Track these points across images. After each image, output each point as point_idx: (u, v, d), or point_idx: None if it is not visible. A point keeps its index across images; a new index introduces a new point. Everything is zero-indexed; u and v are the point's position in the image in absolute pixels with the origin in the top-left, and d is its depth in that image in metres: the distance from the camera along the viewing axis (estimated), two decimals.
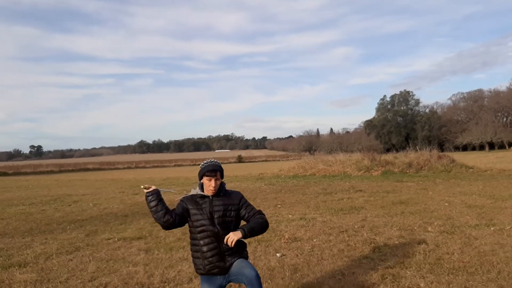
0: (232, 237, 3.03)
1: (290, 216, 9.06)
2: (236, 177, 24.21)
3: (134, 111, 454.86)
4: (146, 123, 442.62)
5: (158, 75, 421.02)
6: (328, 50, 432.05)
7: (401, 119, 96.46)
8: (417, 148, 24.36)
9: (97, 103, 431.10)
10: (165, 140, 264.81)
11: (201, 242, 3.17)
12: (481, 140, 78.26)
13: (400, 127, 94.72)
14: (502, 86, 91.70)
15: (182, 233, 7.50)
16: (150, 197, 3.19)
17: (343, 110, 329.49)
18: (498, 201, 10.08)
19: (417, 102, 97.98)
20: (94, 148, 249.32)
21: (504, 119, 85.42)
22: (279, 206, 10.78)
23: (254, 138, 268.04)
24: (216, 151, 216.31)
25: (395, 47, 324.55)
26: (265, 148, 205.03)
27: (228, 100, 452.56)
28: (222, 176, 3.23)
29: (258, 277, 3.00)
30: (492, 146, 79.82)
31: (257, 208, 3.37)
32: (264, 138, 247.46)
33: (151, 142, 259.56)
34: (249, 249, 5.70)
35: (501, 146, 79.93)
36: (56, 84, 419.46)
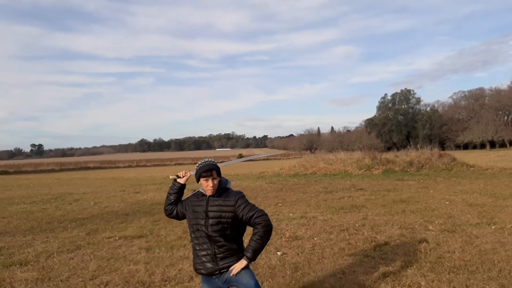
0: (237, 268, 2.98)
1: (291, 214, 9.06)
2: (237, 175, 24.22)
3: (135, 110, 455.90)
4: (147, 121, 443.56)
5: (159, 74, 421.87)
6: (329, 48, 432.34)
7: (402, 117, 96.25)
8: (418, 146, 24.34)
9: (98, 102, 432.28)
10: (166, 139, 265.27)
11: (195, 241, 3.14)
12: (482, 138, 78.10)
13: (401, 125, 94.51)
14: (503, 84, 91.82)
15: (183, 231, 7.51)
16: (175, 187, 3.32)
17: (344, 109, 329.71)
18: (499, 199, 10.07)
19: (418, 100, 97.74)
20: (95, 147, 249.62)
21: (505, 118, 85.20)
22: (280, 204, 10.78)
23: (255, 137, 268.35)
24: (217, 149, 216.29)
25: (396, 45, 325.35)
26: (266, 146, 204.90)
27: (229, 98, 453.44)
28: (219, 175, 3.13)
29: (257, 286, 2.97)
30: (493, 144, 79.68)
31: (258, 207, 3.17)
32: (265, 137, 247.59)
33: (152, 141, 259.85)
34: None
35: (502, 145, 79.78)
36: (57, 83, 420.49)
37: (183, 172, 3.33)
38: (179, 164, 73.13)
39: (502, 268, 4.74)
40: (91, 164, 65.69)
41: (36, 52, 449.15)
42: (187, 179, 3.30)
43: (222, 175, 3.19)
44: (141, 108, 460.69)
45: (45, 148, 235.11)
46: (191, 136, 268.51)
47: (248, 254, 2.97)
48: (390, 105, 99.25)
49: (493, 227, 6.96)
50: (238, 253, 3.07)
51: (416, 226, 7.28)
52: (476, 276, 4.51)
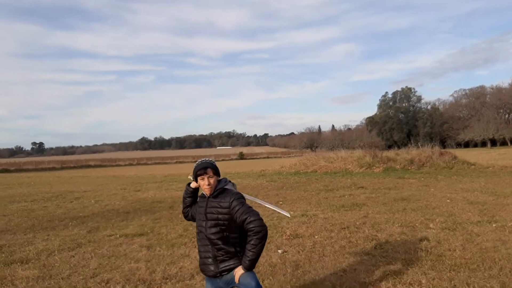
0: (237, 276, 2.95)
1: (291, 212, 9.06)
2: (238, 174, 24.24)
3: (136, 108, 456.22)
4: (148, 120, 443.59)
5: (160, 72, 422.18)
6: (330, 46, 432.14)
7: (403, 115, 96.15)
8: (419, 144, 24.29)
9: (99, 100, 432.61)
10: (167, 137, 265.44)
11: (199, 243, 3.13)
12: (483, 136, 78.00)
13: (402, 123, 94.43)
14: (504, 82, 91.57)
15: (183, 229, 7.52)
16: (188, 191, 3.31)
17: (345, 107, 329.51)
18: (500, 197, 10.06)
19: (419, 98, 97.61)
20: (96, 145, 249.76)
21: (506, 116, 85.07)
22: (281, 202, 10.78)
23: (255, 135, 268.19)
24: (218, 148, 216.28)
25: (397, 43, 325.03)
26: (266, 145, 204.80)
27: (230, 96, 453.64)
28: (216, 173, 3.06)
29: (258, 287, 2.92)
30: (494, 142, 79.54)
31: (252, 210, 2.97)
32: (266, 135, 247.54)
33: (152, 139, 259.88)
34: None
35: (503, 143, 79.68)
36: (58, 81, 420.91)
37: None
38: (180, 162, 73.15)
39: (503, 266, 4.74)
40: (92, 162, 65.76)
41: (37, 50, 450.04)
42: (198, 185, 3.21)
43: (222, 175, 3.16)
44: (142, 106, 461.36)
45: (46, 146, 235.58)
46: (192, 134, 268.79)
47: (245, 265, 2.91)
48: (391, 103, 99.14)
49: (494, 225, 6.95)
50: (237, 256, 3.01)
51: (417, 224, 7.28)
52: (477, 274, 4.51)
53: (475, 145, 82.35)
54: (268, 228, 2.96)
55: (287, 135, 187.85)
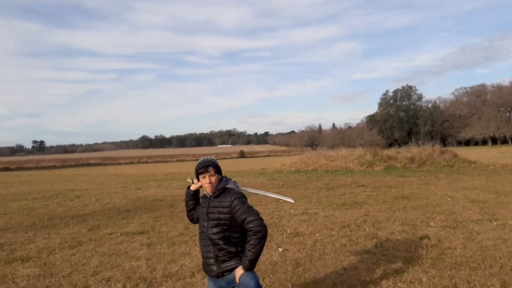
0: (238, 276, 2.95)
1: (292, 211, 9.06)
2: (238, 172, 24.25)
3: (136, 106, 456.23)
4: (148, 118, 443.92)
5: (160, 70, 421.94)
6: (330, 45, 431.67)
7: (404, 114, 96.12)
8: (420, 143, 24.25)
9: (100, 99, 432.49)
10: (167, 135, 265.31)
11: (201, 243, 3.14)
12: (484, 135, 77.95)
13: (403, 122, 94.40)
14: (505, 81, 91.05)
15: (184, 227, 7.52)
16: (188, 194, 3.29)
17: (346, 105, 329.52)
18: (500, 196, 10.06)
19: (420, 97, 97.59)
20: (97, 143, 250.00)
21: (507, 114, 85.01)
22: (281, 201, 10.79)
23: (256, 133, 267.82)
24: (218, 146, 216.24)
25: (398, 42, 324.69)
26: (267, 143, 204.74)
27: (230, 95, 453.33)
28: (218, 172, 3.04)
29: (257, 287, 2.91)
30: (494, 141, 79.48)
31: (252, 210, 2.96)
32: (266, 133, 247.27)
33: (153, 137, 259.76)
34: None
35: (504, 141, 79.65)
36: (59, 80, 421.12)
37: (196, 180, 3.25)
38: (181, 160, 73.19)
39: (503, 264, 4.74)
40: (93, 161, 65.85)
41: (38, 49, 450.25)
42: (198, 188, 3.22)
43: (223, 174, 3.15)
44: (142, 105, 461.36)
45: (47, 144, 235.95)
46: (193, 132, 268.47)
47: (245, 265, 2.90)
48: (391, 101, 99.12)
49: (494, 223, 6.95)
50: (239, 256, 3.00)
51: (417, 223, 7.27)
52: (478, 273, 4.51)
53: (476, 144, 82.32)
54: (268, 227, 2.97)
55: (287, 133, 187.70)
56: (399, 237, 6.31)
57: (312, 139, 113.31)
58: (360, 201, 10.11)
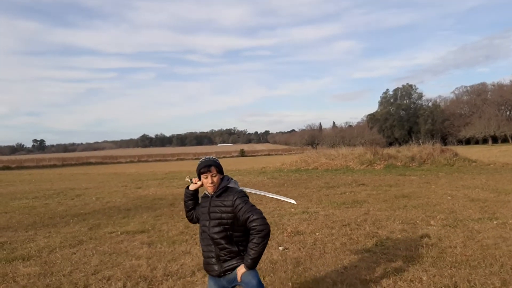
0: (239, 274, 2.95)
1: (292, 209, 9.06)
2: (239, 171, 24.24)
3: (137, 105, 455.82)
4: (149, 117, 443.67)
5: (161, 69, 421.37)
6: (331, 43, 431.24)
7: (404, 112, 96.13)
8: (420, 141, 24.27)
9: (100, 97, 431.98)
10: (168, 134, 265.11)
11: (202, 242, 3.13)
12: (484, 133, 77.98)
13: (403, 120, 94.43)
14: (506, 79, 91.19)
15: (184, 226, 7.53)
16: (187, 194, 3.28)
17: (346, 104, 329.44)
18: (501, 194, 10.05)
19: (420, 95, 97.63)
20: (97, 142, 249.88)
21: (508, 113, 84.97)
22: (283, 200, 10.77)
23: (256, 132, 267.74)
24: (219, 145, 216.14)
25: (398, 40, 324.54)
26: (267, 142, 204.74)
27: (231, 94, 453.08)
28: (220, 171, 3.04)
29: (259, 285, 2.91)
30: (495, 139, 79.48)
31: (255, 208, 2.96)
32: (267, 132, 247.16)
33: (153, 136, 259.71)
34: None
35: (504, 140, 79.64)
36: (59, 79, 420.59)
37: (196, 179, 3.22)
38: (181, 159, 73.23)
39: (504, 263, 4.74)
40: (93, 160, 65.87)
41: (38, 48, 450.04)
42: (197, 187, 3.21)
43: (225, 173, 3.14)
44: (142, 104, 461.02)
45: (47, 143, 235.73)
46: (193, 131, 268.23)
47: (247, 263, 2.91)
48: (392, 100, 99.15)
49: (495, 222, 6.95)
50: (240, 255, 3.01)
51: (417, 221, 7.27)
52: (478, 271, 4.51)
53: (476, 142, 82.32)
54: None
55: (288, 132, 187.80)
56: (400, 235, 6.31)
57: (313, 138, 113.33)
58: (360, 200, 10.11)
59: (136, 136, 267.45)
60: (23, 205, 11.67)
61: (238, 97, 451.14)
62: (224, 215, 2.97)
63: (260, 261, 5.05)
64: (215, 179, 3.01)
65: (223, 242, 2.98)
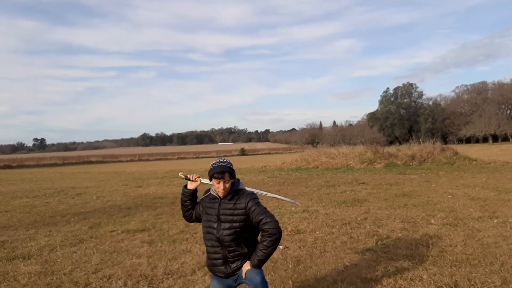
0: (244, 271, 2.97)
1: (293, 208, 9.07)
2: (239, 170, 24.23)
3: (137, 104, 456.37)
4: (149, 116, 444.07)
5: (161, 68, 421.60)
6: (331, 42, 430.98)
7: (404, 111, 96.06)
8: (420, 140, 24.24)
9: (100, 96, 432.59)
10: (168, 133, 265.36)
11: (208, 243, 3.10)
12: (485, 132, 77.91)
13: (403, 119, 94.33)
14: (506, 78, 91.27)
15: (185, 225, 7.53)
16: (186, 194, 3.25)
17: (346, 103, 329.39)
18: (501, 193, 10.05)
19: (420, 94, 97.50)
20: (97, 141, 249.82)
21: (508, 112, 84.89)
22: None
23: (257, 131, 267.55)
24: (219, 144, 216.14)
25: (399, 39, 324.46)
26: (268, 141, 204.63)
27: (231, 92, 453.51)
28: (232, 177, 3.01)
29: (263, 282, 2.92)
30: (495, 138, 79.41)
31: (268, 211, 3.00)
32: (267, 131, 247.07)
33: (154, 135, 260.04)
34: None
35: (505, 139, 79.55)
36: (59, 77, 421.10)
37: (194, 175, 3.21)
38: (181, 158, 73.27)
39: (504, 261, 4.74)
40: (94, 158, 65.93)
41: (38, 46, 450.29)
42: (196, 186, 3.18)
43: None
44: (143, 102, 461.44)
45: (48, 142, 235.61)
46: (193, 130, 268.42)
47: (254, 263, 2.93)
48: (392, 99, 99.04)
49: (495, 221, 6.95)
50: (248, 256, 3.03)
51: (418, 220, 7.27)
52: (478, 270, 4.51)
53: (477, 141, 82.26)
54: None
55: (288, 131, 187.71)
56: (400, 234, 6.31)
57: (313, 136, 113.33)
58: (360, 198, 10.11)
59: (136, 135, 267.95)
60: (24, 204, 11.68)
61: (239, 96, 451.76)
62: (236, 218, 2.97)
63: None
64: (227, 185, 2.98)
65: (233, 244, 2.99)
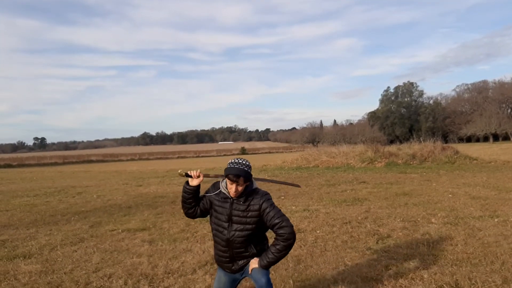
0: (252, 266, 2.97)
1: (293, 207, 9.07)
2: None
3: (137, 103, 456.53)
4: (149, 115, 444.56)
5: (161, 67, 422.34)
6: (331, 41, 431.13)
7: (405, 110, 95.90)
8: (421, 139, 24.23)
9: (101, 95, 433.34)
10: (168, 132, 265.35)
11: (216, 239, 3.07)
12: (485, 131, 77.82)
13: (404, 118, 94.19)
14: (507, 77, 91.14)
15: (185, 224, 7.53)
16: (189, 191, 3.10)
17: (347, 102, 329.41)
18: (502, 192, 10.04)
19: (421, 93, 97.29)
20: (98, 140, 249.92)
21: (509, 111, 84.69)
22: (283, 197, 10.79)
23: (257, 130, 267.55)
24: (219, 143, 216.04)
25: (399, 38, 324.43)
26: (268, 140, 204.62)
27: (231, 91, 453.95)
28: (248, 180, 2.90)
29: (268, 284, 2.92)
30: (496, 137, 79.34)
31: (283, 214, 2.93)
32: (267, 130, 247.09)
33: (154, 134, 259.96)
34: None
35: (506, 138, 79.45)
36: (60, 76, 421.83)
37: (195, 172, 3.09)
38: (182, 157, 73.28)
39: (505, 260, 4.73)
40: (94, 157, 65.94)
41: (39, 46, 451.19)
42: (199, 182, 3.07)
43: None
44: (143, 102, 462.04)
45: (48, 141, 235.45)
46: (194, 129, 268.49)
47: (263, 263, 2.91)
48: (393, 98, 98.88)
49: (496, 220, 6.94)
50: (256, 255, 3.03)
51: (418, 219, 7.27)
52: (479, 269, 4.50)
53: (477, 140, 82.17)
54: None
55: (289, 130, 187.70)
56: (400, 233, 6.31)
57: (313, 135, 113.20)
58: (361, 197, 10.11)
59: (137, 134, 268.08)
60: (24, 203, 11.68)
61: (239, 95, 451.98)
62: (249, 219, 2.91)
63: None
64: (240, 188, 2.88)
65: (243, 245, 2.97)
